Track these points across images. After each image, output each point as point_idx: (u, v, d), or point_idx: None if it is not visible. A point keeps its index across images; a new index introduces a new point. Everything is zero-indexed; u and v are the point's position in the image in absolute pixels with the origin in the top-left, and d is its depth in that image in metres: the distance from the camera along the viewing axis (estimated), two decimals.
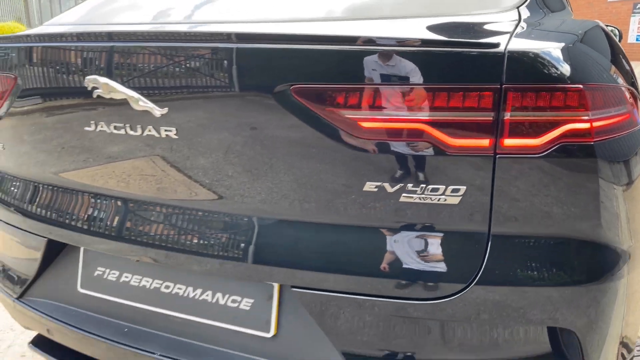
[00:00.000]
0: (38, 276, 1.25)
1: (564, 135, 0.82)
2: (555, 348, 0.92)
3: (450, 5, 1.08)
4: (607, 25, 2.78)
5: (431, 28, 0.96)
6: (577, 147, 0.82)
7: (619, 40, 2.86)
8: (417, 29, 0.96)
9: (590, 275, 0.89)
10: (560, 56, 0.82)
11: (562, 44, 0.85)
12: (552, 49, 0.82)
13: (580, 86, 0.81)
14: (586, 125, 0.82)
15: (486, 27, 0.96)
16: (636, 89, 1.11)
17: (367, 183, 0.87)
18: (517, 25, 0.93)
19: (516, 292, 0.88)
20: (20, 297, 1.28)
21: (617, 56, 1.12)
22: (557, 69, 0.81)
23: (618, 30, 2.91)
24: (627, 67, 1.16)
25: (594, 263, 0.90)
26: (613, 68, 1.01)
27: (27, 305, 1.26)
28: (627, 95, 0.98)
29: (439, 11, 1.04)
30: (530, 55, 0.80)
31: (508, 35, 0.86)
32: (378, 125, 0.84)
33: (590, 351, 0.92)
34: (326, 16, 1.08)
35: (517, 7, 1.05)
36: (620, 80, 1.00)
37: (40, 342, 1.32)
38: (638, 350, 1.50)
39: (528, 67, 0.80)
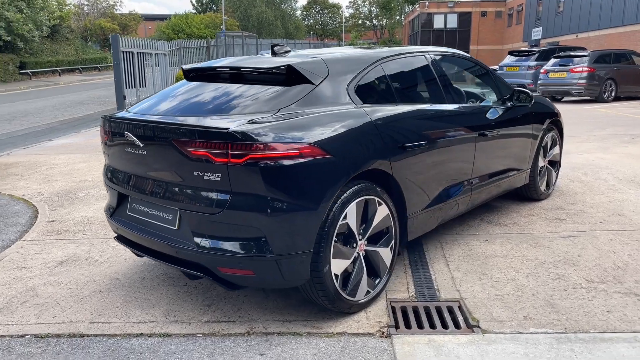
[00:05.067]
0: (116, 208, 3.15)
1: (249, 158, 2.40)
2: (257, 238, 2.49)
3: (245, 109, 2.70)
4: (521, 87, 4.19)
5: (226, 119, 2.60)
6: (256, 161, 2.40)
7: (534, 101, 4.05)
8: (213, 121, 2.59)
9: (269, 209, 2.45)
10: (250, 130, 2.41)
11: (257, 125, 2.44)
12: (248, 128, 2.42)
13: (254, 143, 2.39)
14: (254, 154, 2.39)
15: (244, 120, 2.55)
16: (324, 145, 2.59)
17: (195, 171, 2.55)
18: (251, 119, 2.53)
19: (241, 214, 2.47)
20: (110, 217, 3.19)
21: (315, 125, 2.62)
22: (247, 136, 2.40)
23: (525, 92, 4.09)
24: (327, 132, 2.64)
25: (269, 208, 2.45)
26: (297, 134, 2.54)
27: (111, 219, 3.17)
28: (302, 147, 2.50)
29: (237, 112, 2.67)
30: (234, 131, 2.41)
31: (240, 122, 2.48)
32: (195, 151, 2.52)
33: (275, 244, 2.47)
34: (191, 114, 2.78)
35: (275, 112, 2.64)
36: (299, 140, 2.52)
37: (117, 237, 3.22)
38: None
39: (235, 136, 2.41)
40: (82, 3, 39.80)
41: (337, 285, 2.72)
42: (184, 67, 3.36)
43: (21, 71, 30.25)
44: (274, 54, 3.35)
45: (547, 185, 5.10)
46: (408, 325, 2.80)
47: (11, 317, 2.97)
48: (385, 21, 72.28)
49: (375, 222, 2.93)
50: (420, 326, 2.79)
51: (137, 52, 14.08)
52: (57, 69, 33.32)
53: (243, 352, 2.54)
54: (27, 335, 2.77)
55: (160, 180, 2.78)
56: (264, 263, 2.51)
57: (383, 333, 2.71)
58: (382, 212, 2.96)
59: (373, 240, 2.99)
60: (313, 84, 2.84)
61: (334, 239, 2.66)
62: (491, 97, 4.46)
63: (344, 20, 75.91)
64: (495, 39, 45.15)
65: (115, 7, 41.74)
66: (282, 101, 2.72)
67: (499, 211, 4.76)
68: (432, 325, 2.80)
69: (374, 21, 75.25)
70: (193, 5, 62.94)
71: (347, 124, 2.76)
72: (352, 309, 2.85)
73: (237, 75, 3.07)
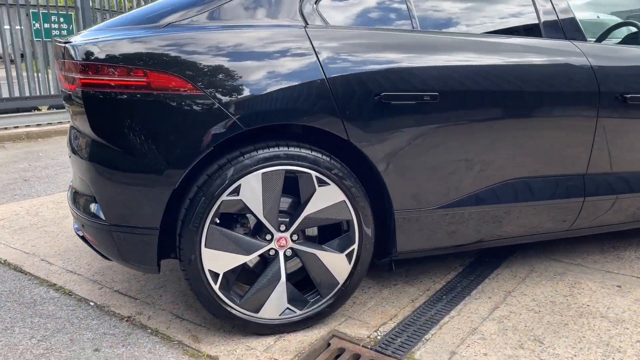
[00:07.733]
0: None
1: (79, 82, 1.72)
2: (90, 197, 1.83)
3: (147, 20, 1.90)
4: None
5: (115, 32, 1.91)
6: (85, 89, 1.70)
7: None
8: (98, 33, 1.86)
9: (94, 158, 1.76)
10: (85, 46, 1.72)
11: (101, 40, 1.72)
12: (84, 42, 1.73)
13: (87, 63, 1.69)
14: (85, 79, 1.70)
15: (117, 34, 1.82)
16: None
17: (66, 103, 2.02)
18: (126, 35, 1.79)
19: (77, 160, 1.84)
20: None
21: (193, 47, 1.72)
22: (80, 53, 1.72)
23: None
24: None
25: (94, 158, 1.76)
26: (152, 57, 1.69)
27: None
28: (154, 74, 1.68)
29: (140, 24, 1.88)
30: (69, 47, 1.74)
31: (105, 35, 1.77)
32: (59, 74, 1.95)
33: (106, 209, 1.78)
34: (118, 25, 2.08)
35: (163, 27, 1.83)
36: (153, 65, 1.68)
37: None
38: None
39: (70, 53, 1.74)
40: None
41: (214, 287, 1.84)
42: None
43: None
44: None
45: None
46: None
47: (26, 236, 3.06)
48: None
49: (311, 210, 1.87)
50: None
51: None
52: None
53: (82, 339, 1.96)
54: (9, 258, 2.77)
55: None
56: (99, 231, 1.84)
57: None
58: (327, 195, 1.87)
59: (314, 237, 1.95)
60: None
61: (211, 219, 1.78)
62: None
63: None
64: None
65: None
66: (184, 13, 1.89)
67: None
68: None
69: None
70: None
71: (252, 50, 1.76)
72: (249, 328, 1.92)
73: None
